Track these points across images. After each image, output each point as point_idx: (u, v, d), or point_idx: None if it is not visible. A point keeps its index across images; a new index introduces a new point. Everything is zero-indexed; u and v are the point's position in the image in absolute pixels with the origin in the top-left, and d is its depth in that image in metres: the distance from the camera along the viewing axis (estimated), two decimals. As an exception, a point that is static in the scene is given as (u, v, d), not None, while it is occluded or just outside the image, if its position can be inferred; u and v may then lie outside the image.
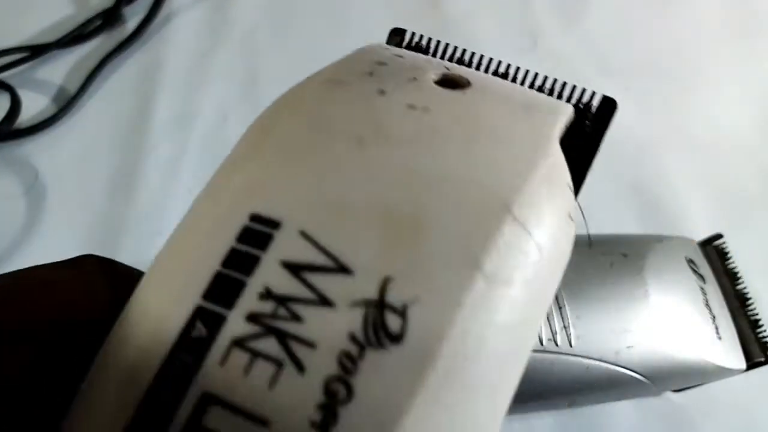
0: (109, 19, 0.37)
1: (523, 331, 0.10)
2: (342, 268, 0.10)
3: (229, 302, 0.10)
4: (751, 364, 0.25)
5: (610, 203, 0.32)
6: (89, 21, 0.37)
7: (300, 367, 0.09)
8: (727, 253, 0.27)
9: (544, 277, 0.10)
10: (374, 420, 0.09)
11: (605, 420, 0.27)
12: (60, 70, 0.36)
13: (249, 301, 0.09)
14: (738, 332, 0.25)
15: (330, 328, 0.09)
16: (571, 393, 0.25)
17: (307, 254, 0.10)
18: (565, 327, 0.24)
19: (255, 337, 0.09)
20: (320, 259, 0.10)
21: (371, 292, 0.09)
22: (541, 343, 0.24)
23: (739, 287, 0.26)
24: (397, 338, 0.09)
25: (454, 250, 0.10)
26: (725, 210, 0.32)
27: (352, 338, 0.09)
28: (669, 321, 0.25)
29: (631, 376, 0.24)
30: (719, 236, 0.27)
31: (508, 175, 0.10)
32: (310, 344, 0.09)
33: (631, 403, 0.27)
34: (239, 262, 0.10)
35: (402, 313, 0.09)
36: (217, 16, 0.40)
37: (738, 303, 0.26)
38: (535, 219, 0.10)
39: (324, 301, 0.09)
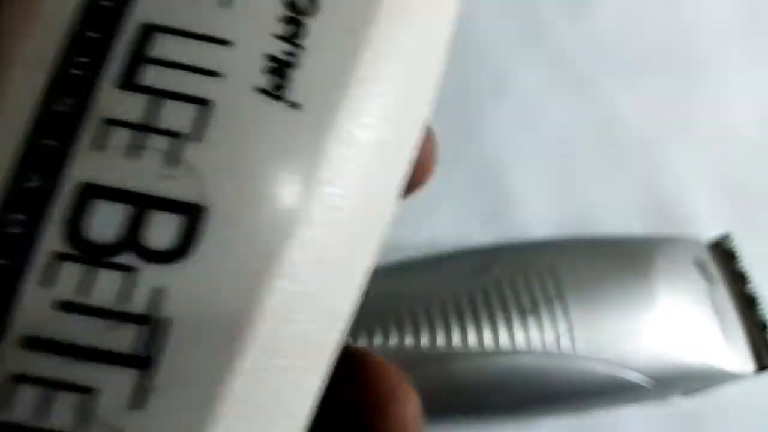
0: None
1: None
2: None
3: None
4: (761, 368, 0.25)
5: (615, 203, 0.32)
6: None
7: None
8: (735, 255, 0.26)
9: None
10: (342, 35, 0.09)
11: (610, 426, 0.27)
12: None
13: None
14: (747, 335, 0.25)
15: None
16: (575, 398, 0.24)
17: None
18: (569, 329, 0.23)
19: None
20: None
21: None
22: (544, 347, 0.23)
23: (747, 289, 0.26)
24: None
25: None
26: (734, 210, 0.32)
27: None
28: (676, 324, 0.24)
29: (637, 379, 0.24)
30: (727, 237, 0.27)
31: None
32: None
33: (638, 409, 0.27)
34: None
35: None
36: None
37: (747, 305, 0.25)
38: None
39: None
